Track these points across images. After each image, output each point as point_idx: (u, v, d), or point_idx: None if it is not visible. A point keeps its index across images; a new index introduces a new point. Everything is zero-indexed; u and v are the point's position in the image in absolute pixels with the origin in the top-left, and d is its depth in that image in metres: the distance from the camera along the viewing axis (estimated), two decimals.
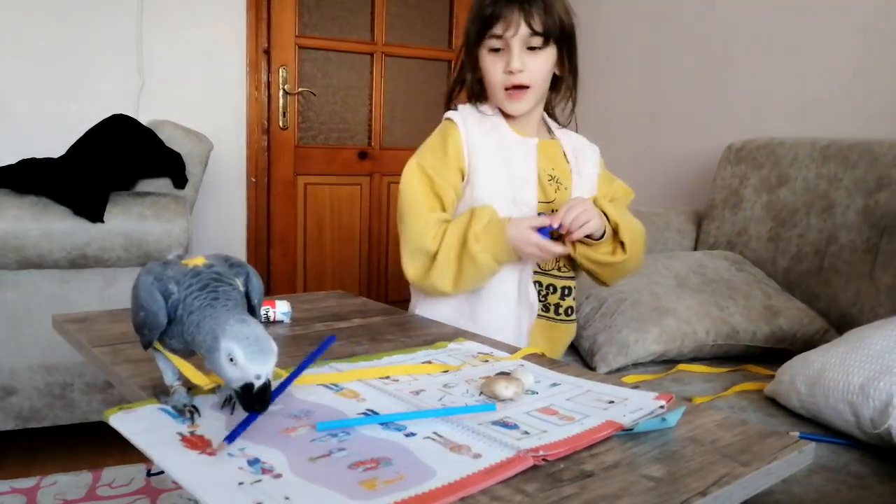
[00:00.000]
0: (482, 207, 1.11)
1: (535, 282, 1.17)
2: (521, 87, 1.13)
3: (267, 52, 2.58)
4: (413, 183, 1.14)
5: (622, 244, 1.12)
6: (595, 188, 1.22)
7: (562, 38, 1.13)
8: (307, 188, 2.73)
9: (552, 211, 1.15)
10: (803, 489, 0.91)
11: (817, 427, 1.09)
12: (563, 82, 1.20)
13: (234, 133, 2.54)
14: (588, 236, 1.11)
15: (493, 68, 1.13)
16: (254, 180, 2.61)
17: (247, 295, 0.68)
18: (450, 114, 1.19)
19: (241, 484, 0.51)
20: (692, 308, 1.41)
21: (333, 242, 2.82)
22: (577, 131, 1.28)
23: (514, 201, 1.14)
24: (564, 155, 1.22)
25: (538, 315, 1.18)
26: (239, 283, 0.67)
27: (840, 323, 1.46)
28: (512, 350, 0.95)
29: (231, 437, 0.59)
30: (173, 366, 0.67)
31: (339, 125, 2.78)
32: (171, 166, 1.91)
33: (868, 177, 1.52)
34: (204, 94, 2.47)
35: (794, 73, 1.91)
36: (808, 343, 1.40)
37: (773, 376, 1.21)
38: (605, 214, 1.12)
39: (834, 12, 1.81)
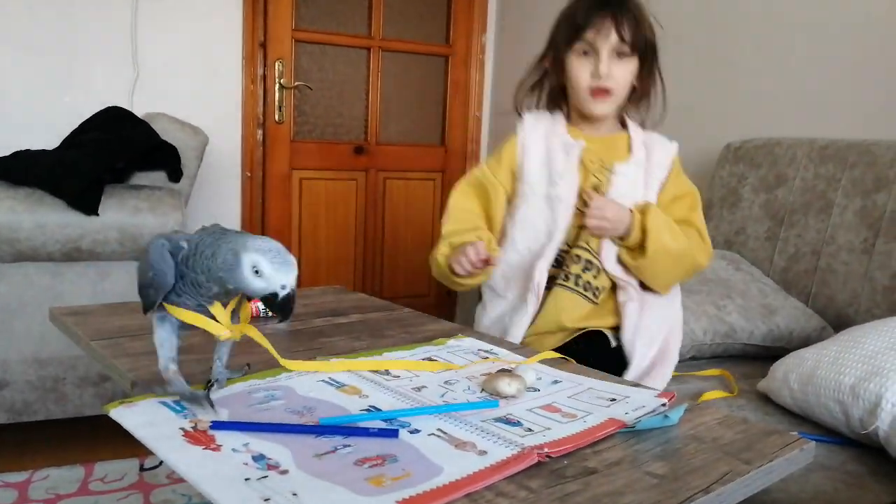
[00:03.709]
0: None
1: (562, 251, 1.22)
2: (606, 91, 1.19)
3: (263, 45, 2.56)
4: (459, 185, 1.30)
5: (644, 248, 1.17)
6: (652, 184, 1.25)
7: (646, 50, 1.21)
8: (302, 183, 2.72)
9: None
10: (801, 487, 0.91)
11: (809, 425, 1.09)
12: (637, 93, 1.26)
13: (229, 127, 2.52)
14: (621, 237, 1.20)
15: (580, 72, 1.20)
16: (249, 174, 2.59)
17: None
18: (522, 119, 1.30)
19: (247, 480, 0.51)
20: (689, 307, 1.41)
21: (329, 238, 2.80)
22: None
23: (548, 197, 1.22)
24: (630, 148, 1.26)
25: (557, 284, 1.21)
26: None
27: (836, 324, 1.47)
28: (512, 348, 0.95)
29: (217, 426, 0.59)
30: (173, 342, 0.68)
31: (335, 120, 2.77)
32: (166, 159, 1.89)
33: (866, 177, 1.53)
34: (199, 87, 2.44)
35: (793, 73, 1.92)
36: (805, 342, 1.40)
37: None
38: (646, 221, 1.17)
39: (833, 11, 1.82)
